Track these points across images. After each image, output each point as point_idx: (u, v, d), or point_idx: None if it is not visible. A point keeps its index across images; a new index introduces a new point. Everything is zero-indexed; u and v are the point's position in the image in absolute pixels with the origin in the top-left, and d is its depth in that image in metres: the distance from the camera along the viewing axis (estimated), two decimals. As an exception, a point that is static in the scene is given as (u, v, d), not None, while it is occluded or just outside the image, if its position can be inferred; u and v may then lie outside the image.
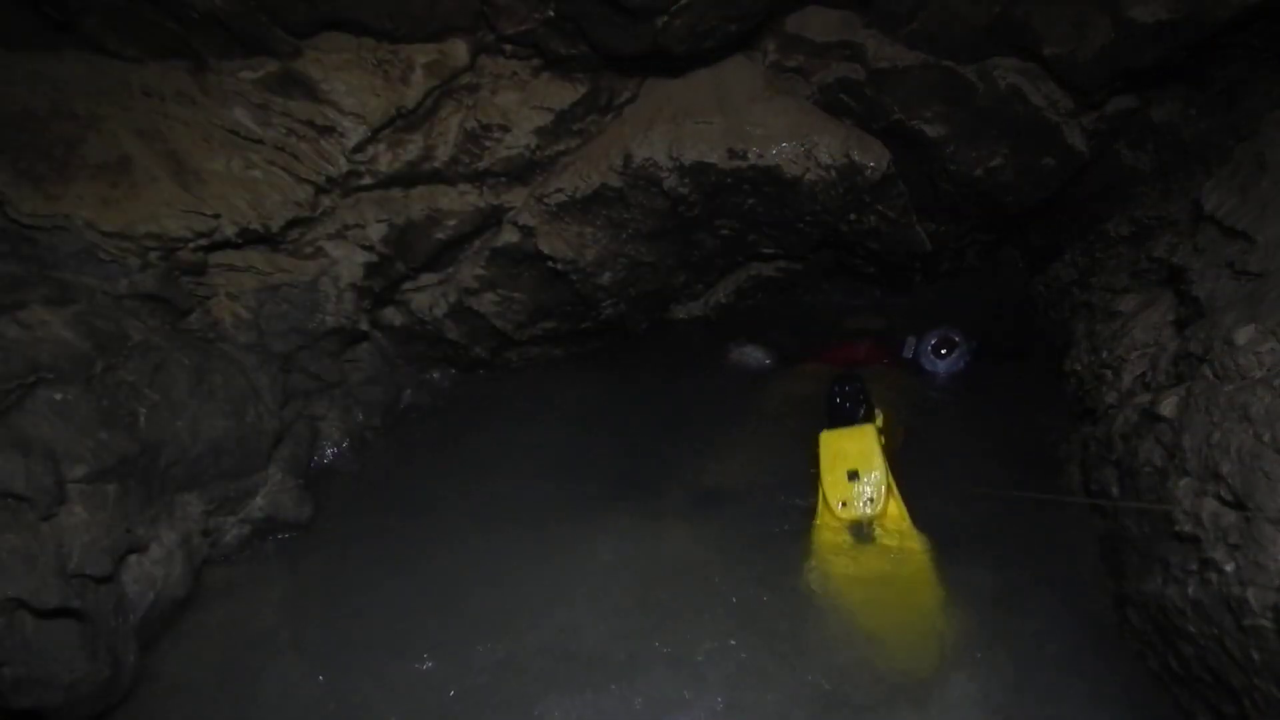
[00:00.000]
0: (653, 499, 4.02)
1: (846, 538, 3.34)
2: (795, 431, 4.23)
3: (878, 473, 3.37)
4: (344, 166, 4.14)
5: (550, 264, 4.59)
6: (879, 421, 3.64)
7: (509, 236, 4.55)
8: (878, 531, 3.32)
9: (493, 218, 4.59)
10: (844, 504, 3.36)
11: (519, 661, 3.13)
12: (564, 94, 4.27)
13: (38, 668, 2.59)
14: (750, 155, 4.20)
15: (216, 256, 4.02)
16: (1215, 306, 3.03)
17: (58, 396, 3.05)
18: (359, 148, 4.12)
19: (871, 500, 3.33)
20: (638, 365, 5.25)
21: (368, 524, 4.02)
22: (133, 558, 3.19)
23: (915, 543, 3.27)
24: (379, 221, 4.34)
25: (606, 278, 4.74)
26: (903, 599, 3.13)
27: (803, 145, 4.22)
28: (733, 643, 3.00)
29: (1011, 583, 3.26)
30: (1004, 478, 3.78)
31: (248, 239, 4.03)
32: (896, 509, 3.37)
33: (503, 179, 4.49)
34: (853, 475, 3.37)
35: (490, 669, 3.12)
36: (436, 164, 4.31)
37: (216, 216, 3.89)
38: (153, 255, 3.78)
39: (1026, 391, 4.69)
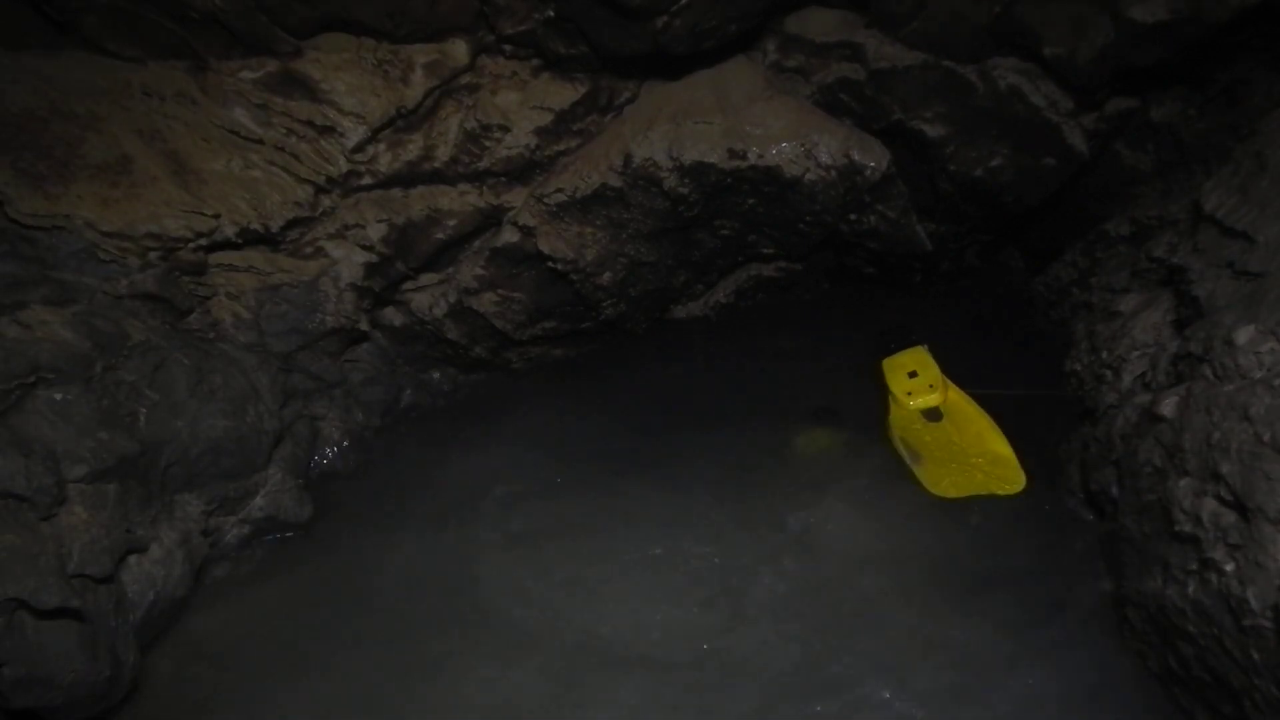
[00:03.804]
0: (656, 491, 4.02)
1: (919, 419, 3.98)
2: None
3: (934, 370, 4.06)
4: (344, 166, 4.14)
5: (550, 264, 4.59)
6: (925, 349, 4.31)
7: (509, 236, 4.55)
8: (944, 413, 3.96)
9: (493, 218, 4.59)
10: (910, 394, 4.03)
11: (521, 656, 3.14)
12: (564, 94, 4.27)
13: (38, 668, 2.59)
14: (750, 155, 4.20)
15: (216, 256, 4.02)
16: (1215, 306, 3.03)
17: (58, 396, 3.05)
18: (359, 148, 4.12)
19: (932, 387, 3.99)
20: (638, 365, 5.25)
21: (367, 523, 4.02)
22: (133, 558, 3.19)
23: (978, 413, 3.88)
24: (379, 221, 4.34)
25: (606, 278, 4.74)
26: (972, 445, 3.80)
27: (803, 145, 4.22)
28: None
29: (1012, 582, 3.26)
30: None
31: (248, 239, 4.03)
32: (958, 395, 4.01)
33: (503, 179, 4.49)
34: (913, 375, 4.07)
35: (493, 664, 3.12)
36: (436, 164, 4.31)
37: (216, 216, 3.89)
38: (153, 255, 3.78)
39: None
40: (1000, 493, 3.62)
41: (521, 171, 4.47)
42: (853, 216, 4.60)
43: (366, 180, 4.25)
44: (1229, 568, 2.39)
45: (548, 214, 4.47)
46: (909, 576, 3.38)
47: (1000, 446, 3.74)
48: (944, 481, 3.71)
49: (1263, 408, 2.44)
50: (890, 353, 4.33)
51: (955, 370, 4.56)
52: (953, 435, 3.89)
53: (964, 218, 5.01)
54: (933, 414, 4.00)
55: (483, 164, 4.37)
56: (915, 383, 4.04)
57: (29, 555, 2.63)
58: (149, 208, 3.75)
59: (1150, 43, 3.65)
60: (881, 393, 4.25)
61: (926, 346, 4.29)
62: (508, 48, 4.12)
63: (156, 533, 3.33)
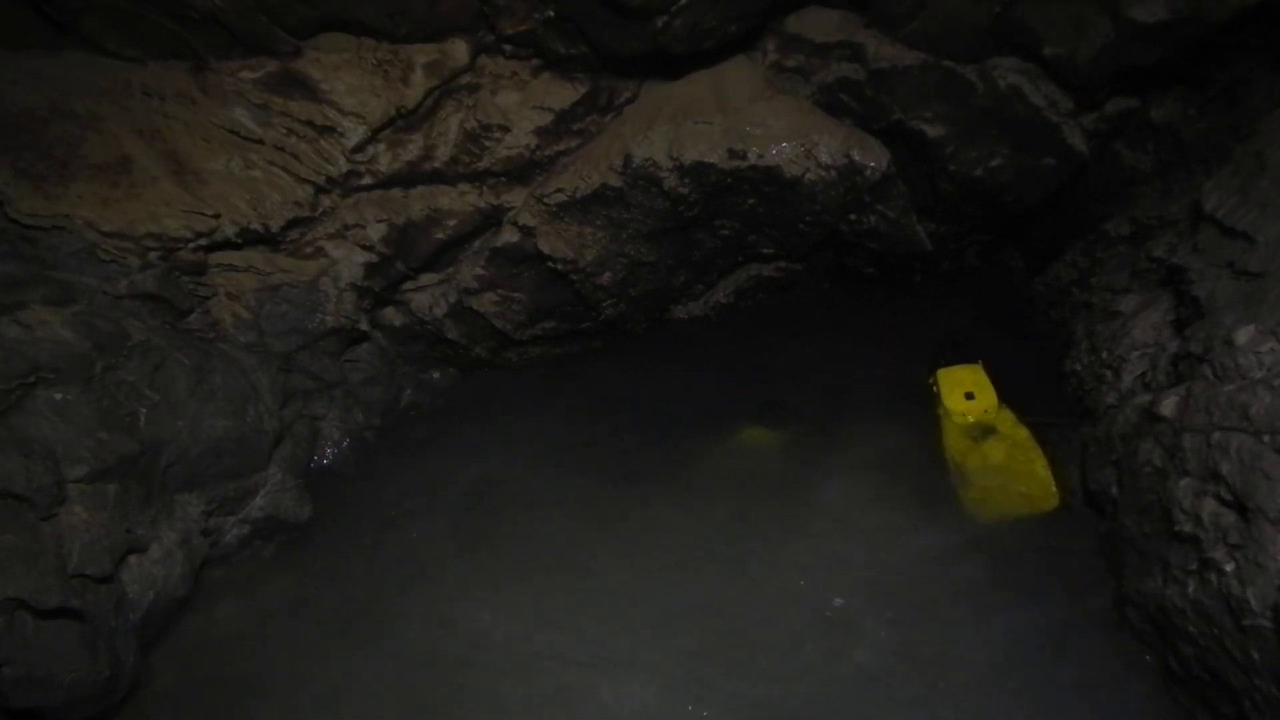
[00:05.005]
0: (654, 496, 4.02)
1: (967, 438, 3.93)
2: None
3: (990, 393, 4.01)
4: (344, 166, 4.14)
5: (550, 264, 4.59)
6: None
7: (509, 236, 4.56)
8: (996, 431, 3.91)
9: (493, 218, 4.59)
10: (965, 414, 3.99)
11: (519, 658, 3.14)
12: (564, 94, 4.27)
13: (38, 668, 2.59)
14: (750, 155, 4.20)
15: (216, 256, 4.02)
16: (1215, 306, 3.03)
17: (58, 396, 3.05)
18: (359, 148, 4.12)
19: (986, 411, 3.97)
20: (638, 365, 5.25)
21: (367, 524, 4.02)
22: (133, 558, 3.19)
23: (1027, 438, 3.82)
24: (379, 221, 4.34)
25: (606, 278, 4.74)
26: (1020, 470, 3.74)
27: (803, 145, 4.21)
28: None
29: (1010, 583, 3.26)
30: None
31: (248, 239, 4.03)
32: (1010, 418, 3.93)
33: (503, 179, 4.49)
34: (969, 396, 4.02)
35: (492, 660, 3.13)
36: (436, 164, 4.31)
37: (216, 216, 3.89)
38: (153, 255, 3.78)
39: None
40: (1035, 512, 3.60)
41: (521, 171, 4.47)
42: (853, 216, 4.61)
43: (366, 180, 4.25)
44: (1229, 568, 2.39)
45: (548, 214, 4.47)
46: (905, 579, 3.38)
47: (1042, 469, 3.69)
48: (986, 505, 3.67)
49: (1263, 408, 2.44)
50: (951, 361, 4.25)
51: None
52: (1000, 457, 3.81)
53: (964, 218, 5.01)
54: (983, 431, 3.95)
55: (483, 164, 4.37)
56: (971, 405, 3.99)
57: (29, 555, 2.64)
58: (149, 208, 3.75)
59: (1150, 43, 3.65)
60: (931, 402, 4.17)
61: (981, 364, 4.20)
62: (508, 48, 4.12)
63: (156, 533, 3.33)
